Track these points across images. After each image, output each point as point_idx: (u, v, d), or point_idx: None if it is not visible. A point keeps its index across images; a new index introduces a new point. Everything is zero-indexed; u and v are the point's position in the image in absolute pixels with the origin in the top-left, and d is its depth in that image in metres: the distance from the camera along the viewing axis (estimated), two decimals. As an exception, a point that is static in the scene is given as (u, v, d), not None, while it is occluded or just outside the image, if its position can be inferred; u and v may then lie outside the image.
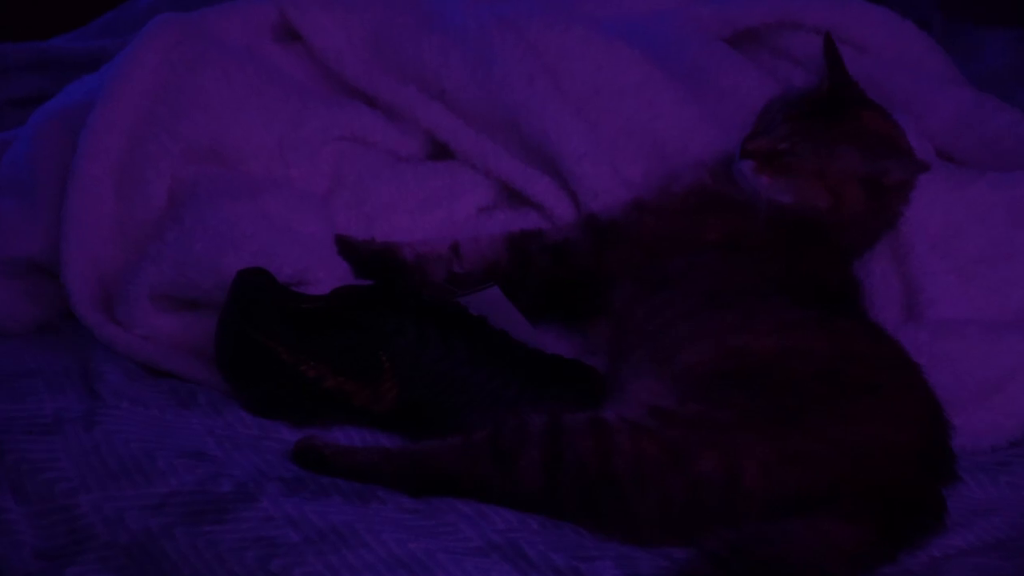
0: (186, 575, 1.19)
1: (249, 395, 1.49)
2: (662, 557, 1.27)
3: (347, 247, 1.63)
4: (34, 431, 1.37)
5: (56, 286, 1.59)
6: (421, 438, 1.40)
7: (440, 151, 1.75)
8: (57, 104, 1.75)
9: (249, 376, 1.49)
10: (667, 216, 1.60)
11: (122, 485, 1.28)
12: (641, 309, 1.51)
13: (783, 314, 1.46)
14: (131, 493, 1.28)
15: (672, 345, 1.43)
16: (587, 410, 1.38)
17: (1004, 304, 1.65)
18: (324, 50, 1.77)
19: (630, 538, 1.31)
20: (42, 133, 1.69)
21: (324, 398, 1.47)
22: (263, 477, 1.31)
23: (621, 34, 1.78)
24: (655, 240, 1.59)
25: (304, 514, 1.25)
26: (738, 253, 1.55)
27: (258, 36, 1.79)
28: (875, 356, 1.45)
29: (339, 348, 1.48)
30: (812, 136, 1.54)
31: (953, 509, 1.37)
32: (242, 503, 1.26)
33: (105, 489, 1.28)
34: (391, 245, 1.66)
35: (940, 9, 2.37)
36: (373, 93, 1.74)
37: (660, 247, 1.57)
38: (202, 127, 1.66)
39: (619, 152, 1.72)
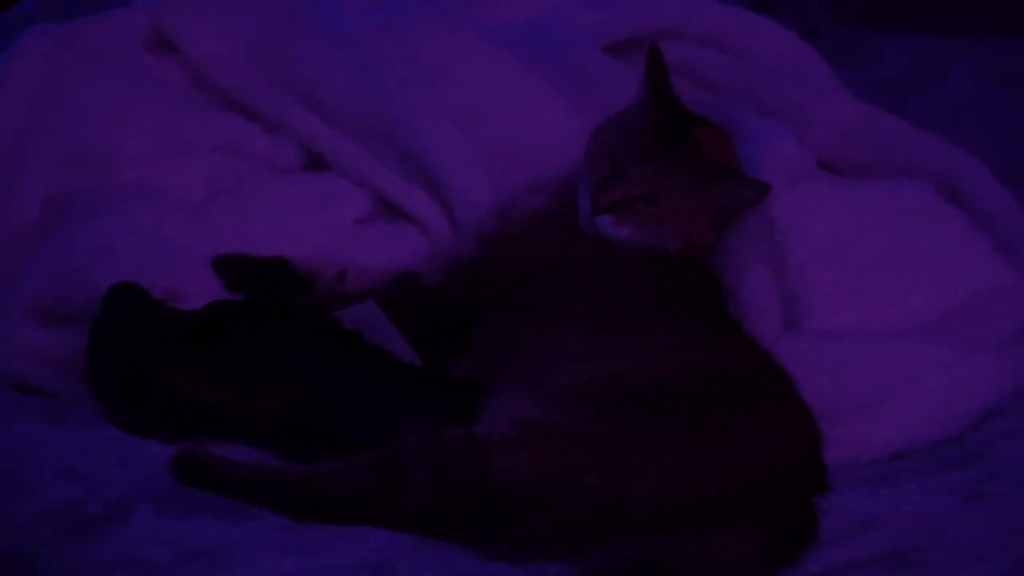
0: (56, 595, 1.14)
1: (121, 411, 1.51)
2: (540, 574, 1.30)
3: (228, 260, 1.66)
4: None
5: None
6: (304, 458, 1.42)
7: (318, 162, 1.79)
8: None
9: (121, 392, 1.51)
10: (527, 244, 1.63)
11: (-9, 503, 1.23)
12: (515, 335, 1.54)
13: (658, 333, 1.50)
14: (1, 511, 1.29)
15: (548, 368, 1.47)
16: (466, 426, 1.41)
17: (892, 313, 1.67)
18: (200, 59, 1.80)
19: (511, 556, 1.34)
20: None
21: (202, 414, 1.50)
22: (136, 495, 1.34)
23: (506, 42, 1.83)
24: (521, 268, 1.62)
25: (177, 533, 1.28)
26: (603, 273, 1.58)
27: (134, 45, 1.82)
28: (751, 371, 1.49)
29: (219, 362, 1.50)
30: (663, 175, 1.57)
31: (833, 523, 1.41)
32: (114, 522, 1.29)
33: (-26, 506, 1.22)
34: (280, 259, 1.68)
35: (832, 15, 2.44)
36: (249, 103, 1.78)
37: (527, 274, 1.60)
38: (77, 138, 1.70)
39: (499, 164, 1.75)
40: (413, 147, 1.73)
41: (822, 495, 1.43)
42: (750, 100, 1.81)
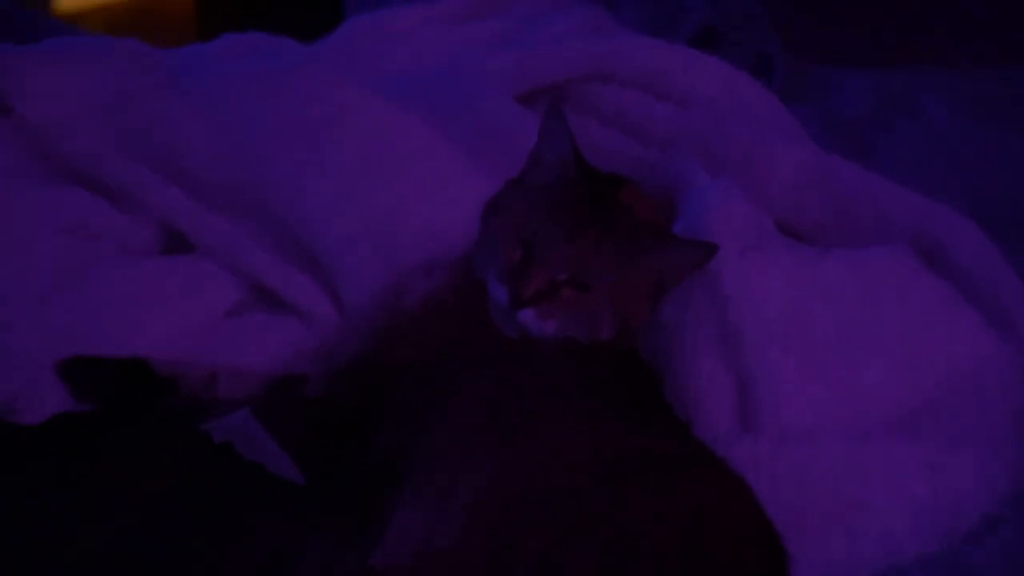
0: None
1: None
2: None
3: (75, 363, 1.52)
4: None
5: None
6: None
7: (181, 242, 1.63)
8: None
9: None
10: (422, 339, 1.50)
11: None
12: (416, 443, 1.40)
13: (582, 440, 1.36)
14: None
15: (454, 481, 1.33)
16: (359, 552, 1.31)
17: (865, 404, 1.50)
18: (40, 123, 1.63)
19: None
20: None
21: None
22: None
23: (403, 94, 1.68)
24: (416, 368, 1.48)
25: None
26: (517, 371, 1.44)
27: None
28: (696, 483, 1.36)
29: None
30: (592, 251, 1.44)
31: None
32: None
33: None
34: (137, 360, 1.54)
35: (787, 50, 2.28)
36: (95, 173, 1.60)
37: (424, 374, 1.46)
38: None
39: (395, 238, 1.59)
40: (292, 221, 1.58)
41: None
42: (694, 151, 1.66)
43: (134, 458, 1.42)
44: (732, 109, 1.80)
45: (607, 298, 1.43)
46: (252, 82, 1.63)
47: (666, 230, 1.50)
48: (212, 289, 1.59)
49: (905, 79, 2.31)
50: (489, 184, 1.56)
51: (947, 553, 1.43)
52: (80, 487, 1.39)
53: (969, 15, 2.38)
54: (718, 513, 1.32)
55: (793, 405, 1.47)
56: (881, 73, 2.30)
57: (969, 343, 1.56)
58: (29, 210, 1.57)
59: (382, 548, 1.29)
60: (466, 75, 1.78)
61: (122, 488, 1.40)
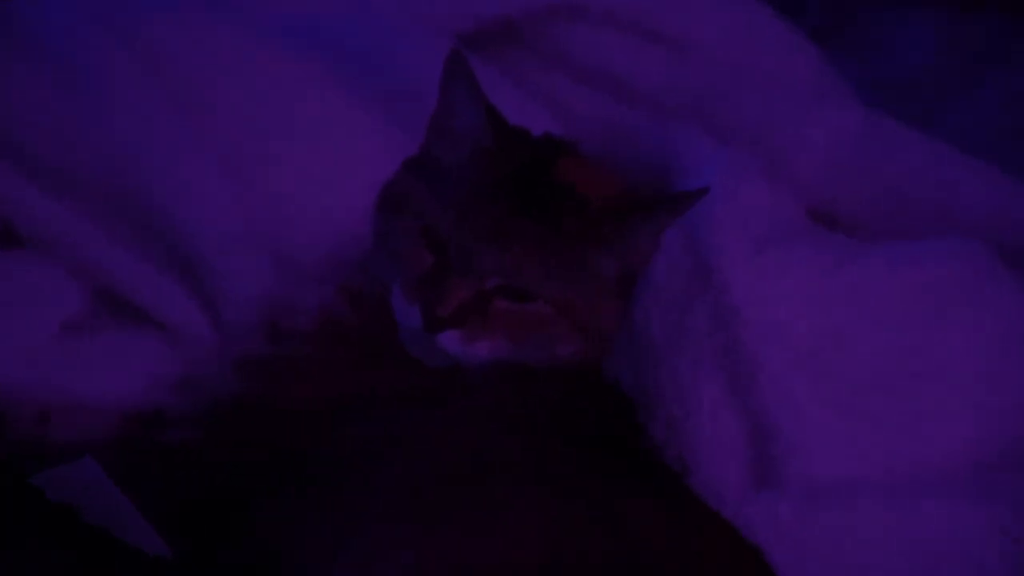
0: None
1: None
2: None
3: None
4: None
5: None
6: None
7: (8, 235, 1.51)
8: None
9: None
10: (312, 372, 1.37)
11: None
12: (311, 511, 1.25)
13: (533, 501, 1.22)
14: None
15: (361, 565, 1.19)
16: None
17: (919, 453, 1.35)
18: None
19: None
20: None
21: None
22: None
23: (300, 43, 1.57)
24: (304, 410, 1.33)
25: None
26: (440, 411, 1.30)
27: None
28: (691, 557, 1.24)
29: None
30: (531, 247, 1.30)
31: None
32: None
33: None
34: None
35: None
36: None
37: (316, 420, 1.32)
38: None
39: (289, 232, 1.48)
40: (152, 208, 1.46)
41: None
42: (693, 116, 1.54)
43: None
44: (746, 57, 1.68)
45: (557, 306, 1.31)
46: (99, 30, 1.52)
47: (624, 201, 1.36)
48: (45, 295, 1.47)
49: (985, 24, 2.12)
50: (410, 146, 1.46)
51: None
52: None
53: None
54: None
55: (825, 454, 1.35)
56: (954, 16, 2.14)
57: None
58: None
59: None
60: (380, 11, 1.66)
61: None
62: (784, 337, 1.37)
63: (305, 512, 1.24)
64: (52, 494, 1.28)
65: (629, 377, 1.36)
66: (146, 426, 1.40)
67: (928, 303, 1.41)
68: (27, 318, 1.45)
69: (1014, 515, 1.33)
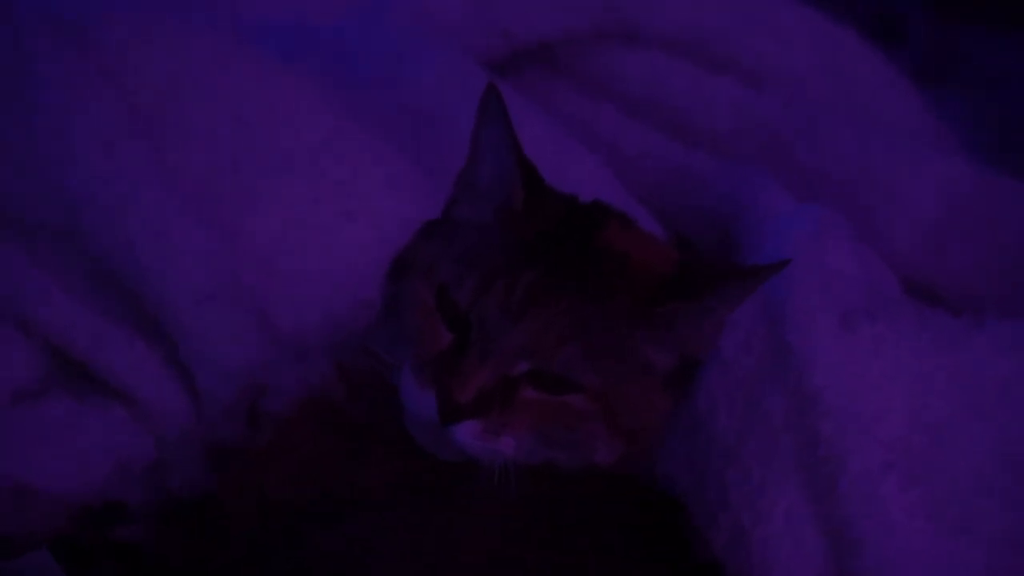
0: None
1: None
2: None
3: None
4: None
5: None
6: None
7: None
8: None
9: None
10: (289, 470, 1.30)
11: None
12: None
13: None
14: None
15: None
16: None
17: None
18: None
19: None
20: None
21: None
22: None
23: (292, 53, 1.53)
24: (281, 516, 1.27)
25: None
26: (446, 517, 1.24)
27: None
28: None
29: None
30: (564, 331, 1.22)
31: None
32: None
33: None
34: None
35: (929, 7, 2.12)
36: None
37: (294, 528, 1.25)
38: None
39: (281, 292, 1.41)
40: (116, 259, 1.38)
41: None
42: (766, 162, 1.50)
43: None
44: (835, 94, 1.63)
45: (598, 400, 1.25)
46: (47, 29, 1.43)
47: (683, 279, 1.30)
48: None
49: None
50: (422, 208, 1.39)
51: None
52: None
53: None
54: None
55: (920, 573, 1.25)
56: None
57: None
58: None
59: None
60: (390, 19, 1.63)
61: None
62: (873, 431, 1.31)
63: None
64: None
65: (686, 475, 1.31)
66: (102, 521, 1.35)
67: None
68: None
69: None
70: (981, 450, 1.32)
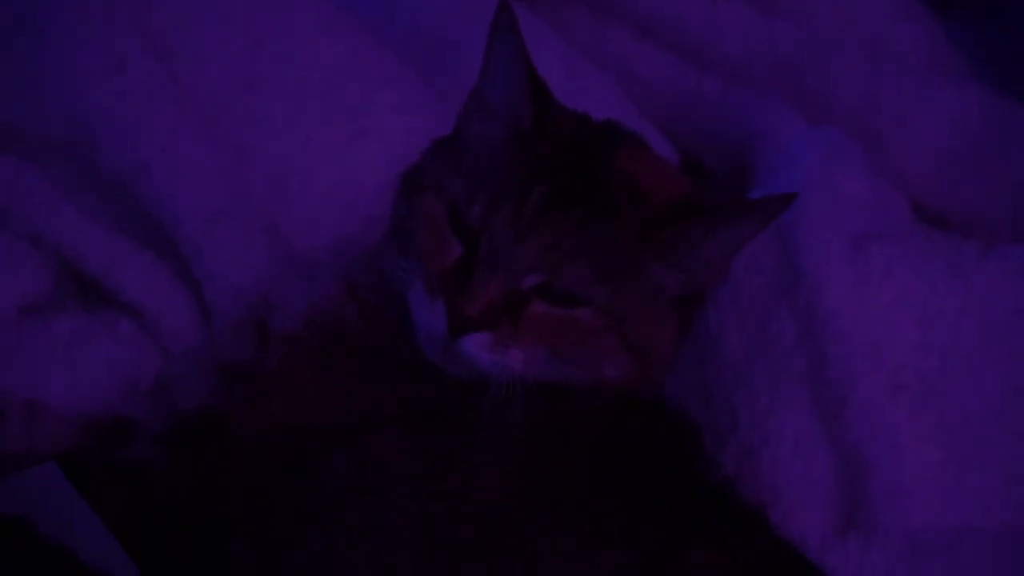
0: None
1: None
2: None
3: None
4: None
5: None
6: None
7: None
8: None
9: None
10: (295, 389, 1.29)
11: None
12: (287, 567, 1.19)
13: (570, 553, 1.15)
14: None
15: None
16: None
17: None
18: None
19: None
20: None
21: None
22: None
23: None
24: (286, 435, 1.27)
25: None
26: (452, 440, 1.23)
27: None
28: None
29: None
30: (576, 244, 1.23)
31: None
32: None
33: None
34: None
35: None
36: None
37: (298, 448, 1.25)
38: None
39: (292, 211, 1.44)
40: (126, 176, 1.39)
41: None
42: (778, 87, 1.51)
43: None
44: (848, 19, 1.64)
45: (606, 315, 1.25)
46: None
47: (694, 204, 1.29)
48: (2, 270, 1.39)
49: None
50: (433, 129, 1.37)
51: None
52: None
53: None
54: None
55: (929, 498, 1.32)
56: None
57: None
58: None
59: None
60: None
61: None
62: (883, 355, 1.34)
63: (289, 560, 1.19)
64: (5, 505, 1.25)
65: (696, 399, 1.34)
66: (110, 437, 1.35)
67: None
68: None
69: None
70: (991, 378, 1.33)
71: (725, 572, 1.19)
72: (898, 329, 1.34)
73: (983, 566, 1.28)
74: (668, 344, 1.29)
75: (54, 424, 1.36)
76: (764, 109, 1.51)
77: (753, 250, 1.33)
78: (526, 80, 1.26)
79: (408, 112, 1.47)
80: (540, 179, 1.25)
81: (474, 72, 1.32)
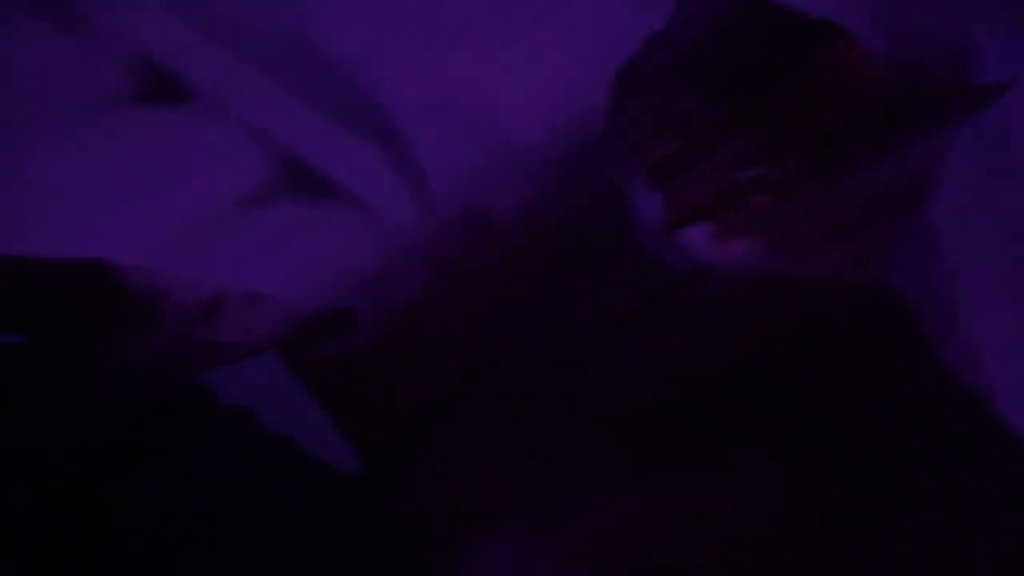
0: None
1: None
2: None
3: None
4: None
5: None
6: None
7: (173, 88, 1.45)
8: None
9: None
10: (513, 281, 1.32)
11: None
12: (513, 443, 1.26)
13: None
14: None
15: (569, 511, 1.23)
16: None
17: None
18: None
19: None
20: None
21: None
22: None
23: None
24: (504, 329, 1.31)
25: None
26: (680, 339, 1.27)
27: None
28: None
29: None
30: (795, 137, 1.26)
31: None
32: None
33: None
34: (95, 265, 1.37)
35: None
36: None
37: (516, 341, 1.30)
38: None
39: (504, 106, 1.41)
40: (349, 65, 1.39)
41: None
42: None
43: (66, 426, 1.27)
44: None
45: (822, 208, 1.27)
46: None
47: (903, 96, 1.30)
48: (221, 160, 1.41)
49: None
50: (649, 20, 1.39)
51: None
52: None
53: None
54: None
55: None
56: None
57: None
58: None
59: None
60: None
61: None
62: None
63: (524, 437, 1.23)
64: (224, 395, 1.29)
65: (914, 288, 1.31)
66: (329, 328, 1.36)
67: None
68: (198, 187, 1.40)
69: None
70: None
71: (951, 458, 1.21)
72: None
73: None
74: (879, 236, 1.29)
75: (272, 314, 1.37)
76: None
77: (975, 134, 1.30)
78: None
79: (620, 6, 1.43)
80: (752, 75, 1.26)
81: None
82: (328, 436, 1.30)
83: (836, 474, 1.24)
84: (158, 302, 1.37)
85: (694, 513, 1.23)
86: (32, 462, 1.27)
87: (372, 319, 1.36)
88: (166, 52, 1.46)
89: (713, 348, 1.30)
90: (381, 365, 1.33)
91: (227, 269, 1.39)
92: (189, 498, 1.28)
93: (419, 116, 1.43)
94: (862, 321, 1.31)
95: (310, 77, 1.45)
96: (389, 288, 1.38)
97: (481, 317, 1.33)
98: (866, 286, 1.32)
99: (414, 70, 1.44)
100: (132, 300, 1.37)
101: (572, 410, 1.27)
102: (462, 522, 1.28)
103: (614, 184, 1.33)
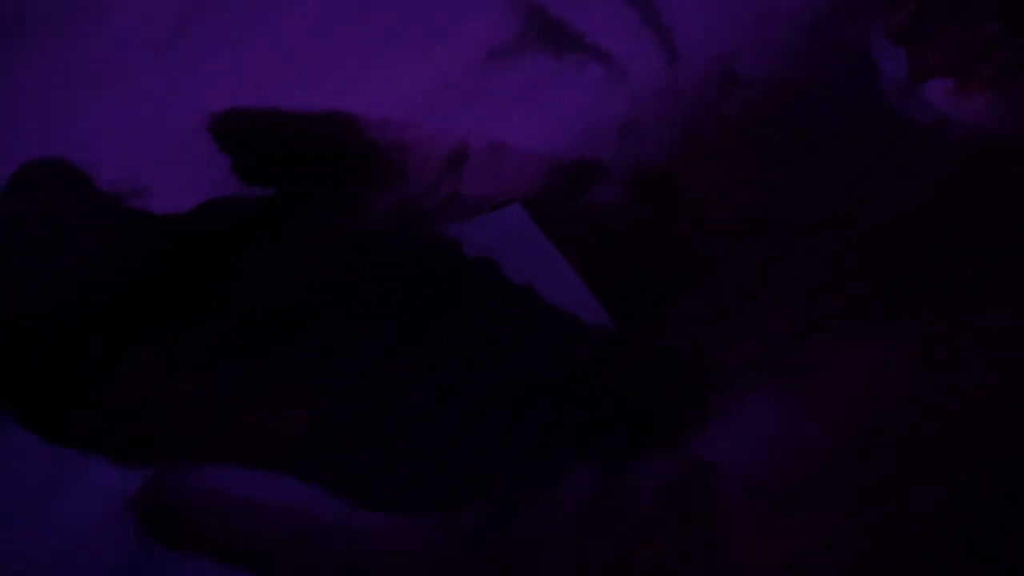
0: None
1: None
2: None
3: (232, 118, 1.35)
4: None
5: None
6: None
7: None
8: None
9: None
10: (751, 139, 1.30)
11: None
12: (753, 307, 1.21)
13: None
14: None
15: (812, 374, 1.16)
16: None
17: None
18: None
19: None
20: None
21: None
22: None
23: None
24: (751, 185, 1.28)
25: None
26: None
27: None
28: None
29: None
30: None
31: None
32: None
33: None
34: (342, 116, 1.35)
35: None
36: None
37: (760, 195, 1.27)
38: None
39: None
40: None
41: None
42: None
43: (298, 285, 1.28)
44: None
45: None
46: None
47: None
48: (471, 13, 1.40)
49: None
50: None
51: None
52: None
53: None
54: None
55: None
56: None
57: None
58: None
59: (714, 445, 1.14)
60: None
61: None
62: None
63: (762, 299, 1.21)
64: (471, 249, 1.29)
65: None
66: (575, 179, 1.35)
67: None
68: (447, 42, 1.41)
69: None
70: None
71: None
72: None
73: None
74: None
75: (518, 165, 1.38)
76: None
77: None
78: None
79: None
80: None
81: None
82: (574, 289, 1.30)
83: None
84: (404, 155, 1.38)
85: (939, 374, 1.21)
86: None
87: (619, 173, 1.35)
88: None
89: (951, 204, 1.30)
90: (629, 220, 1.35)
91: (473, 122, 1.40)
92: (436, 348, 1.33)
93: None
94: None
95: None
96: (636, 142, 1.37)
97: (730, 176, 1.36)
98: None
99: None
100: (379, 152, 1.38)
101: (826, 265, 1.26)
102: (710, 378, 1.28)
103: (859, 44, 1.35)
